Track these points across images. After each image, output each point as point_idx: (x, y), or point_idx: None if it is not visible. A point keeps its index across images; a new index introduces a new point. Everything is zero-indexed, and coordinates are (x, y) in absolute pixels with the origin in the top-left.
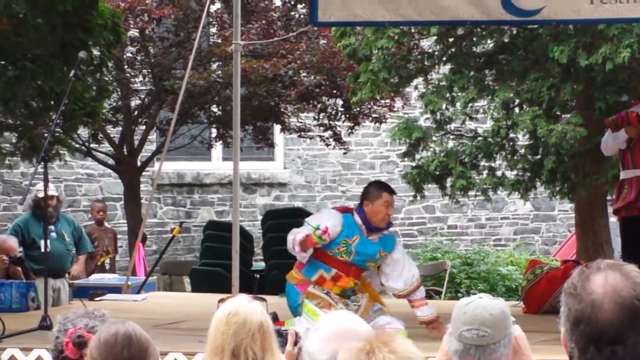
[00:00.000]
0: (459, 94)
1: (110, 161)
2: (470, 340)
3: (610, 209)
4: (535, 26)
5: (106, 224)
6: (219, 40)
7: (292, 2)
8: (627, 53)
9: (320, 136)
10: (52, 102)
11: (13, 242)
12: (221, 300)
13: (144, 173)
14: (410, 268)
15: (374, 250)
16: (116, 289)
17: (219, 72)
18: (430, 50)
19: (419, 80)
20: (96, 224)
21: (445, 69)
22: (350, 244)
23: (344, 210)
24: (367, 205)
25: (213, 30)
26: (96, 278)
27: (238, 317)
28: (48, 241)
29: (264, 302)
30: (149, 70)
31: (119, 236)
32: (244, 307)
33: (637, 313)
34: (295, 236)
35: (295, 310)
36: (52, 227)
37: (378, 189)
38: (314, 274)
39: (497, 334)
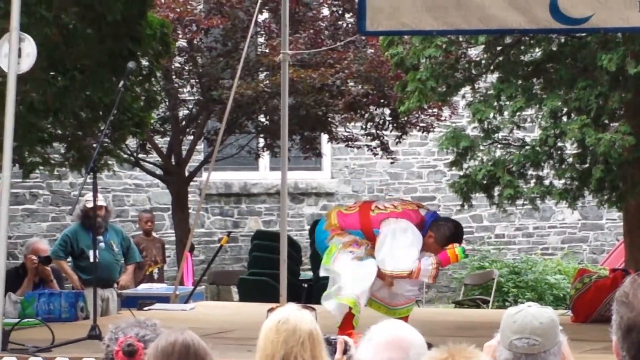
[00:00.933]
0: (507, 102)
1: (158, 171)
2: (521, 349)
3: None
4: (584, 34)
5: (154, 234)
6: (267, 50)
7: (340, 12)
8: None
9: (367, 145)
10: (100, 113)
11: (43, 244)
12: (270, 310)
13: (191, 183)
14: None
15: None
16: (164, 299)
17: (267, 81)
18: (477, 59)
19: (466, 89)
20: (144, 234)
21: (493, 77)
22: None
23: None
24: (431, 238)
25: (261, 40)
26: (144, 288)
27: (288, 325)
28: (97, 251)
29: (313, 311)
30: (197, 80)
31: (167, 246)
32: (294, 315)
33: None
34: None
35: (322, 244)
36: (100, 238)
37: (451, 237)
38: (349, 232)
39: (547, 342)
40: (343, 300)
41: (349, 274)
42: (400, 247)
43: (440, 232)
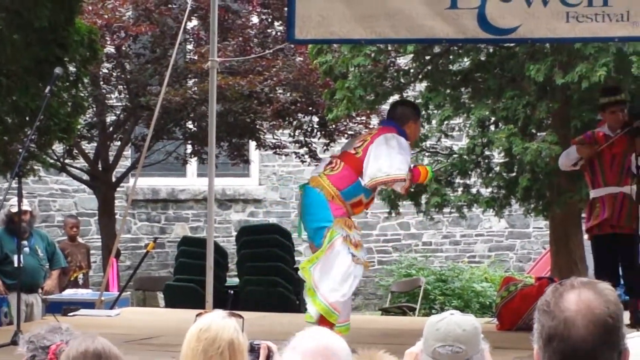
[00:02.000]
0: (435, 111)
1: (85, 177)
2: (444, 357)
3: (584, 227)
4: (512, 45)
5: (79, 239)
6: (195, 57)
7: (269, 20)
8: (603, 72)
9: (295, 153)
10: (27, 118)
11: None
12: (199, 315)
13: (118, 189)
14: None
15: None
16: (89, 304)
17: (195, 88)
18: (406, 68)
19: (395, 98)
20: (69, 240)
21: (422, 86)
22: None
23: (399, 133)
24: (411, 125)
25: (189, 47)
26: (69, 293)
27: (209, 334)
28: (21, 256)
29: (240, 319)
30: (125, 87)
31: (93, 251)
32: (216, 323)
33: (609, 330)
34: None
35: (320, 221)
36: (25, 242)
37: (416, 112)
38: (353, 197)
39: (471, 349)
40: (317, 306)
41: (338, 277)
42: (396, 152)
43: (405, 118)
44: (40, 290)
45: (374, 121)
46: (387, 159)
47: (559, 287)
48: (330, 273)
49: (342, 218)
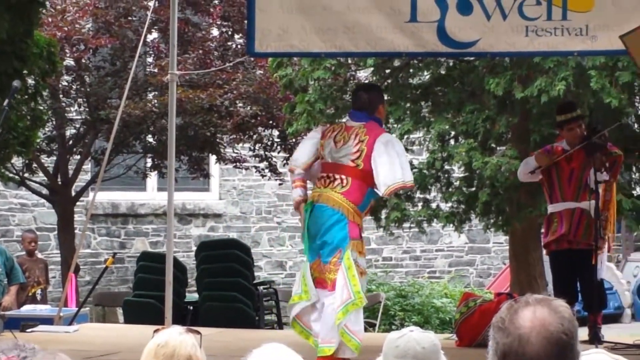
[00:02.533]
0: (395, 125)
1: (44, 191)
2: None
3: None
4: (472, 58)
5: (38, 254)
6: (155, 70)
7: (229, 33)
8: (563, 86)
9: (255, 167)
10: None
11: None
12: (156, 331)
13: (78, 203)
14: None
15: None
16: (48, 320)
17: (155, 101)
18: (366, 81)
19: None
20: (27, 255)
21: None
22: None
23: None
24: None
25: (149, 59)
26: (28, 309)
27: (166, 349)
28: None
29: (198, 335)
30: (85, 100)
31: (52, 267)
32: (174, 339)
33: (564, 347)
34: None
35: (340, 242)
36: None
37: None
38: (367, 205)
39: None
40: (350, 345)
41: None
42: (402, 156)
43: (374, 104)
44: None
45: None
46: (398, 166)
47: (513, 304)
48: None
49: (356, 241)
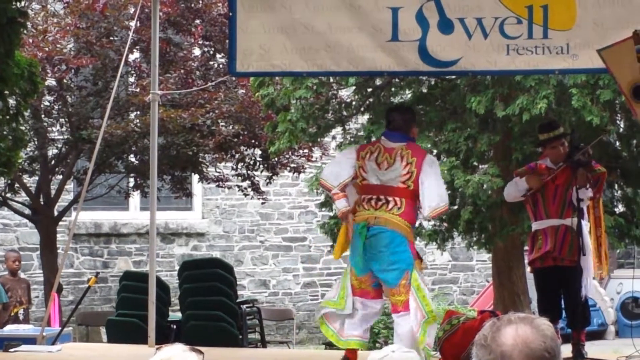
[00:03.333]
0: None
1: (27, 211)
2: None
3: (527, 259)
4: (453, 77)
5: (21, 274)
6: (137, 90)
7: (211, 52)
8: (544, 104)
9: (238, 186)
10: None
11: None
12: (159, 348)
13: (60, 223)
14: None
15: None
16: (31, 340)
17: (137, 121)
18: (348, 100)
19: (337, 130)
20: (10, 274)
21: (364, 119)
22: None
23: None
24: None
25: (131, 79)
26: (10, 329)
27: None
28: None
29: (200, 354)
30: (67, 120)
31: (34, 286)
32: (177, 356)
33: None
34: None
35: (407, 265)
36: None
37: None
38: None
39: None
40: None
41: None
42: (441, 179)
43: (409, 125)
44: None
45: (317, 154)
46: (442, 188)
47: (496, 322)
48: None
49: (417, 260)
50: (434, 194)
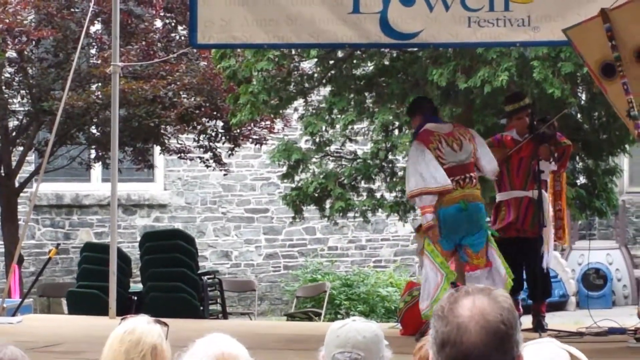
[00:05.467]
0: (339, 116)
1: None
2: None
3: None
4: (415, 49)
5: None
6: (99, 62)
7: (173, 24)
8: (506, 76)
9: (200, 157)
10: None
11: None
12: (123, 319)
13: (22, 194)
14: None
15: None
16: None
17: (98, 93)
18: (310, 73)
19: (299, 102)
20: None
21: (326, 91)
22: None
23: None
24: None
25: (92, 51)
26: None
27: (132, 336)
28: None
29: (165, 326)
30: (27, 91)
31: None
32: (141, 327)
33: (502, 337)
34: None
35: (487, 228)
36: None
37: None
38: None
39: (370, 356)
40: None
41: None
42: None
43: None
44: None
45: (279, 125)
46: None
47: (454, 293)
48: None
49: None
50: (491, 159)
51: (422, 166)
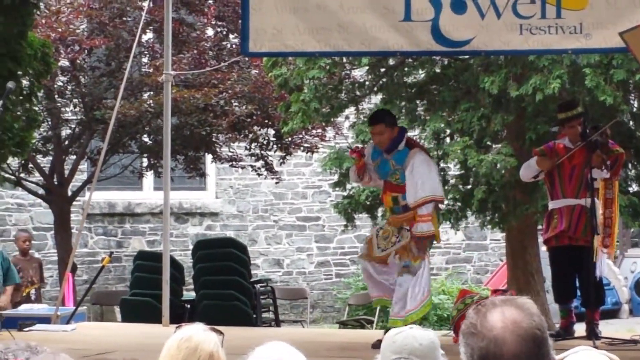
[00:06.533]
0: None
1: (41, 191)
2: None
3: (540, 239)
4: (466, 57)
5: (35, 253)
6: (150, 70)
7: (224, 32)
8: (557, 84)
9: (251, 166)
10: None
11: None
12: (179, 327)
13: (74, 202)
14: (417, 187)
15: (388, 166)
16: (45, 319)
17: (150, 101)
18: (361, 80)
19: (350, 110)
20: (21, 254)
21: (377, 98)
22: (374, 165)
23: None
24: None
25: (144, 60)
26: (25, 308)
27: (189, 344)
28: None
29: (221, 335)
30: (80, 100)
31: (49, 266)
32: (198, 335)
33: (539, 342)
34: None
35: None
36: None
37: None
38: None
39: None
40: None
41: None
42: None
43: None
44: None
45: (330, 133)
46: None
47: (480, 308)
48: None
49: None
50: None
51: (434, 175)
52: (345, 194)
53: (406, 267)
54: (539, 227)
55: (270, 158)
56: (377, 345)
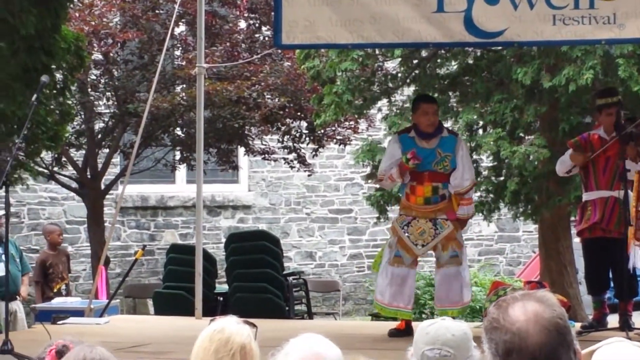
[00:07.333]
0: None
1: (74, 184)
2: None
3: (573, 230)
4: (499, 48)
5: (68, 247)
6: (183, 63)
7: (257, 25)
8: (590, 75)
9: (284, 158)
10: (14, 127)
11: None
12: (212, 320)
13: (107, 196)
14: (463, 173)
15: (434, 154)
16: (79, 313)
17: (183, 94)
18: (394, 72)
19: (383, 102)
20: (49, 248)
21: (409, 90)
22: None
23: (402, 132)
24: (413, 117)
25: (177, 52)
26: (58, 302)
27: (222, 335)
28: (3, 264)
29: (254, 327)
30: (113, 93)
31: (82, 259)
32: (230, 327)
33: (563, 332)
34: (385, 173)
35: None
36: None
37: (416, 101)
38: (403, 192)
39: (459, 354)
40: None
41: None
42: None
43: (412, 107)
44: (18, 298)
45: (363, 126)
46: None
47: (502, 303)
48: None
49: None
50: None
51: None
52: (377, 186)
53: (454, 256)
54: (572, 218)
55: (302, 150)
56: (393, 333)
